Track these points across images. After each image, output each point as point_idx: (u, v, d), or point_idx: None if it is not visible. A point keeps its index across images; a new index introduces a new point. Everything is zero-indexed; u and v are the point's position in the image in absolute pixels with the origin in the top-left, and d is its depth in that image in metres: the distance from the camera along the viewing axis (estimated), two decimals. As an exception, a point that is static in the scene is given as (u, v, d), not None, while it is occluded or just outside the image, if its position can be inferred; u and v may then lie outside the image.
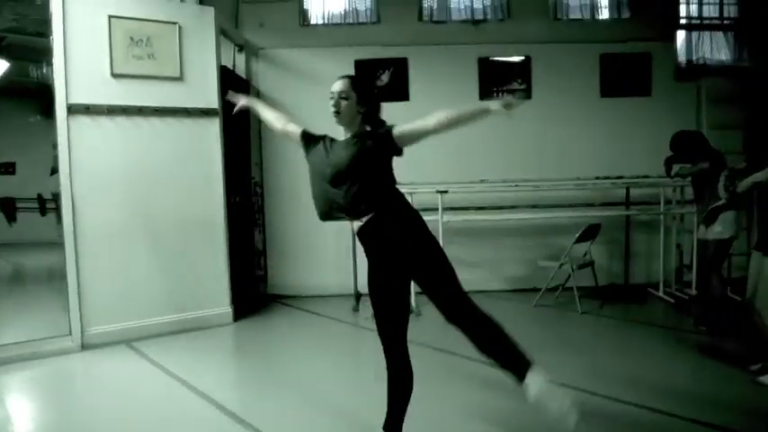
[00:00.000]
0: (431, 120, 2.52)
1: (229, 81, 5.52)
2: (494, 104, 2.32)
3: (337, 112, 2.60)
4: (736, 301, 5.00)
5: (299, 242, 6.44)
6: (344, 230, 6.14)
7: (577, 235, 5.45)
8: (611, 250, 6.41)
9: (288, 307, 6.08)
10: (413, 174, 6.13)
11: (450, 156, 6.30)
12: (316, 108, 6.04)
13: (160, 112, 4.96)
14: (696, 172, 4.76)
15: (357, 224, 2.57)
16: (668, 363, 4.15)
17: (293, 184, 6.38)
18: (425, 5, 6.36)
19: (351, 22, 6.36)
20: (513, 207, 6.27)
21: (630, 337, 4.88)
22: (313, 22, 6.38)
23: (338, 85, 2.62)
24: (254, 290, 6.34)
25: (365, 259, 6.47)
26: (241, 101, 3.15)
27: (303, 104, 6.23)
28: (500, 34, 6.39)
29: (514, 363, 2.47)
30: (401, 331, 2.60)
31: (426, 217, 5.51)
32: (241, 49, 6.27)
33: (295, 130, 2.93)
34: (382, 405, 2.71)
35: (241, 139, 6.15)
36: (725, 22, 6.76)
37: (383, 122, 2.65)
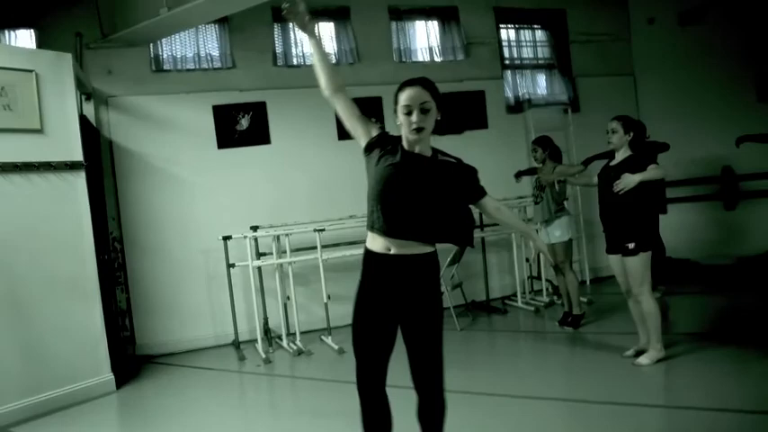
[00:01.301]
0: (498, 209, 2.69)
1: (83, 131, 5.54)
2: (534, 237, 2.75)
3: (421, 129, 2.43)
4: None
5: (167, 296, 6.50)
6: (217, 278, 6.41)
7: (449, 259, 6.29)
8: (472, 270, 7.39)
9: (167, 366, 6.07)
10: (284, 215, 6.63)
11: (317, 195, 6.88)
12: (172, 156, 6.37)
13: (21, 168, 4.88)
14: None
15: (408, 250, 2.48)
16: (548, 359, 5.09)
17: (154, 237, 6.49)
18: (278, 51, 6.91)
19: (205, 67, 6.68)
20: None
21: (501, 346, 5.80)
22: (165, 67, 6.58)
23: (416, 94, 2.43)
24: (124, 353, 6.26)
25: (244, 305, 6.75)
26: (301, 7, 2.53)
27: (160, 152, 6.47)
28: (352, 76, 7.14)
29: None
30: (384, 370, 2.59)
31: (307, 256, 6.10)
32: (89, 97, 6.29)
33: (362, 122, 2.72)
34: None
35: (95, 192, 6.12)
36: (539, 62, 8.25)
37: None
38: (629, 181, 4.37)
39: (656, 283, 6.85)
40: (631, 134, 4.54)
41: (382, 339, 2.54)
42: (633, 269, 4.50)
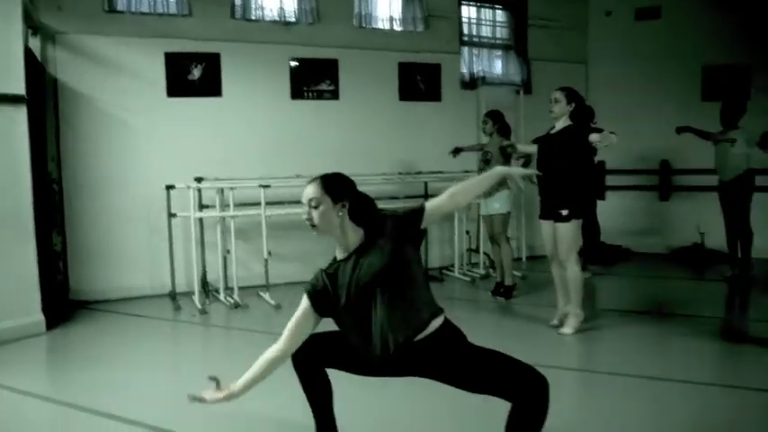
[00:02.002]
0: (454, 194, 2.54)
1: (27, 66, 5.47)
2: (508, 172, 2.66)
3: (313, 226, 2.46)
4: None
5: (105, 242, 6.52)
6: (157, 228, 6.46)
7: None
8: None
9: (100, 312, 6.12)
10: (230, 169, 6.71)
11: (265, 152, 6.99)
12: (123, 100, 6.36)
13: (-43, 98, 4.83)
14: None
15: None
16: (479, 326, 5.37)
17: (95, 182, 6.49)
18: (237, 3, 6.92)
19: (161, 12, 6.65)
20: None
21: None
22: (119, 8, 6.52)
23: (306, 191, 2.47)
24: (58, 296, 6.27)
25: (183, 256, 6.79)
26: None
27: (107, 96, 6.45)
28: (310, 37, 7.23)
29: None
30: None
31: (249, 211, 6.21)
32: (35, 32, 6.20)
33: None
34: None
35: (36, 130, 6.07)
36: (497, 41, 8.50)
37: (382, 216, 2.52)
38: (611, 139, 4.60)
39: (587, 264, 7.28)
40: (573, 105, 4.83)
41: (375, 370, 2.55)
42: (563, 235, 4.80)
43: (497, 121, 6.23)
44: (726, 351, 4.71)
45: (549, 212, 4.91)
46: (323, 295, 2.47)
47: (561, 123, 4.88)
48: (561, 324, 5.03)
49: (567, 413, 3.50)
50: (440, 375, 2.41)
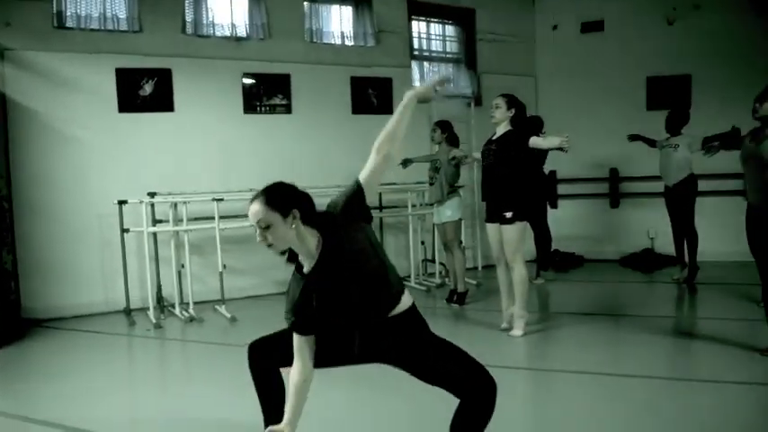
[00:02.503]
0: (379, 147, 2.48)
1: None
2: (416, 91, 2.53)
3: (270, 246, 2.37)
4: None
5: (57, 260, 6.54)
6: (110, 244, 6.50)
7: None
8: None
9: (54, 329, 6.14)
10: (184, 184, 6.79)
11: (219, 166, 7.12)
12: (74, 116, 6.42)
13: None
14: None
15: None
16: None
17: (46, 198, 6.52)
18: (188, 19, 7.07)
19: (111, 28, 6.76)
20: (280, 214, 7.25)
21: None
22: (68, 24, 6.60)
23: (253, 211, 2.36)
24: (9, 315, 6.22)
25: (137, 272, 6.77)
26: None
27: (57, 112, 6.52)
28: (261, 52, 7.40)
29: None
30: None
31: (202, 225, 6.29)
32: (-16, 49, 6.25)
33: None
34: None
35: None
36: (447, 55, 8.78)
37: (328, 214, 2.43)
38: (552, 141, 4.90)
39: (540, 270, 7.51)
40: (513, 111, 5.08)
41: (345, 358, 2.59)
42: (509, 237, 5.01)
43: (446, 130, 6.45)
44: (675, 347, 4.97)
45: (494, 215, 5.12)
46: (306, 322, 2.46)
47: (502, 129, 5.12)
48: (510, 327, 5.22)
49: (519, 410, 3.71)
50: (402, 359, 2.48)
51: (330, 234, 2.38)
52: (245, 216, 6.98)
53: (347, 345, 2.51)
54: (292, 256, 2.49)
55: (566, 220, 8.78)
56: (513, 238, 5.02)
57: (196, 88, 7.12)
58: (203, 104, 7.15)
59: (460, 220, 6.47)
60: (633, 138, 7.30)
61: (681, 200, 6.95)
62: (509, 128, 5.09)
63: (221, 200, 6.30)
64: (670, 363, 4.60)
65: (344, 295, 2.39)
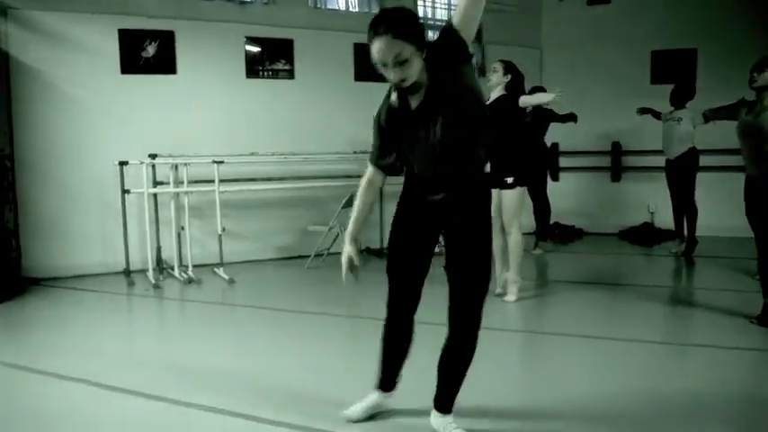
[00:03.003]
0: None
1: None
2: None
3: (403, 81, 2.28)
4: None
5: (58, 220, 6.60)
6: (111, 205, 6.56)
7: (344, 201, 6.70)
8: (368, 217, 7.79)
9: (53, 288, 6.23)
10: (185, 147, 6.84)
11: (220, 130, 7.14)
12: (76, 77, 6.45)
13: None
14: None
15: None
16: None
17: (48, 158, 6.57)
18: (191, -18, 7.06)
19: (114, -11, 6.75)
20: (280, 179, 7.31)
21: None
22: (71, -16, 6.60)
23: (385, 46, 2.22)
24: (10, 272, 6.31)
25: (137, 234, 6.81)
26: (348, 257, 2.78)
27: (60, 72, 6.54)
28: (265, 17, 7.40)
29: (454, 392, 2.69)
30: (419, 292, 2.74)
31: (202, 188, 6.35)
32: (-15, 6, 6.26)
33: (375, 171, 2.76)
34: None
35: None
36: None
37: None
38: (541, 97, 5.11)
39: (539, 241, 7.56)
40: (509, 77, 5.10)
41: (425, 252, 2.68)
42: (508, 202, 5.05)
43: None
44: (671, 314, 5.07)
45: (495, 181, 5.13)
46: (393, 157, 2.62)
47: (495, 94, 5.15)
48: (504, 292, 5.28)
49: (513, 369, 3.80)
50: (463, 230, 2.54)
51: (436, 69, 2.31)
52: (246, 180, 7.10)
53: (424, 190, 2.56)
54: (407, 90, 2.37)
55: (567, 193, 8.80)
56: (512, 204, 5.06)
57: (199, 51, 7.13)
58: (206, 68, 7.17)
59: None
60: (643, 111, 7.30)
61: (681, 173, 6.98)
62: (503, 92, 5.11)
63: (222, 162, 6.34)
64: (665, 329, 4.69)
65: (445, 133, 2.37)
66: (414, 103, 2.41)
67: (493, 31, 8.82)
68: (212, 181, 6.33)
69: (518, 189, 5.05)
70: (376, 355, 2.90)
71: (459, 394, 2.69)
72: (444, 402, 2.71)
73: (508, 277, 5.24)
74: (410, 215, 2.63)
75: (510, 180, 4.98)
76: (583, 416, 2.96)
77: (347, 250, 2.72)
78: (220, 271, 6.47)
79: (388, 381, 2.90)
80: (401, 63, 2.20)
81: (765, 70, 4.24)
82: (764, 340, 4.09)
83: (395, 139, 2.55)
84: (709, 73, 8.18)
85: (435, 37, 2.39)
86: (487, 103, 5.16)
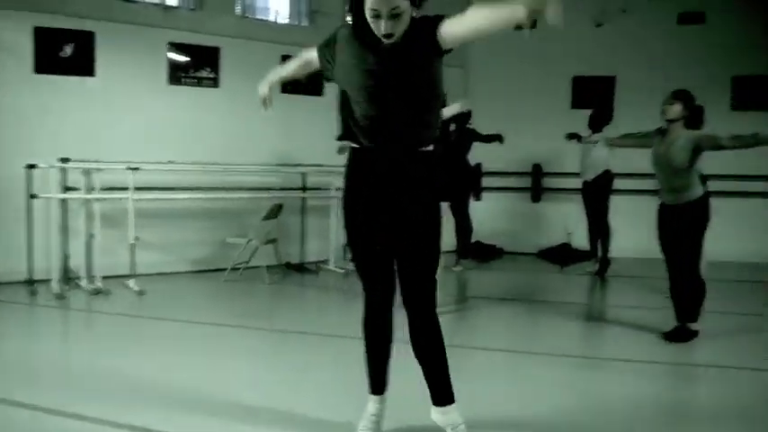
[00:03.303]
0: (461, 20, 2.30)
1: None
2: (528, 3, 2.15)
3: (390, 35, 2.28)
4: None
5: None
6: (14, 209, 6.24)
7: (264, 213, 6.62)
8: (289, 232, 7.76)
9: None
10: (99, 152, 6.61)
11: (138, 136, 6.93)
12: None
13: None
14: None
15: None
16: (342, 311, 5.61)
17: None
18: (115, -18, 6.87)
19: (30, -15, 6.50)
20: (199, 189, 7.16)
21: (312, 298, 6.30)
22: (-17, -23, 6.32)
23: (386, 2, 2.21)
24: None
25: (43, 241, 6.55)
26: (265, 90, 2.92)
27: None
28: (191, 23, 7.26)
29: (444, 378, 2.62)
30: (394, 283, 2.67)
31: (115, 195, 6.14)
32: None
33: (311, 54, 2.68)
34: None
35: None
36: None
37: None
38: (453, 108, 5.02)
39: (460, 258, 7.67)
40: None
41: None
42: None
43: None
44: (586, 330, 5.29)
45: None
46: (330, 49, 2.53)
47: None
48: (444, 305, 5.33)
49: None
50: (408, 206, 2.51)
51: (415, 33, 2.33)
52: (163, 189, 6.90)
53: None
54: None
55: (488, 213, 8.97)
56: None
57: (119, 54, 6.93)
58: (126, 72, 6.97)
59: None
60: (571, 136, 7.54)
61: (596, 195, 7.25)
62: None
63: (137, 169, 6.13)
64: (582, 343, 4.86)
65: (397, 87, 2.38)
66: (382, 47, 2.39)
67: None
68: (127, 188, 6.13)
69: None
70: (303, 368, 2.84)
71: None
72: (440, 394, 2.62)
73: None
74: (361, 202, 2.54)
75: None
76: (508, 428, 2.98)
77: (265, 83, 2.87)
78: (131, 282, 6.24)
79: (379, 382, 2.77)
80: (395, 16, 2.22)
81: (675, 103, 4.41)
82: (673, 354, 4.29)
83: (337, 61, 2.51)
84: (628, 100, 8.53)
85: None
86: None
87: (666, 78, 8.52)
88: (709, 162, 4.95)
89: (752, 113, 8.61)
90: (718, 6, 8.61)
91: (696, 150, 4.30)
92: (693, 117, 4.45)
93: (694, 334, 4.47)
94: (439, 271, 5.04)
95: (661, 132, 4.60)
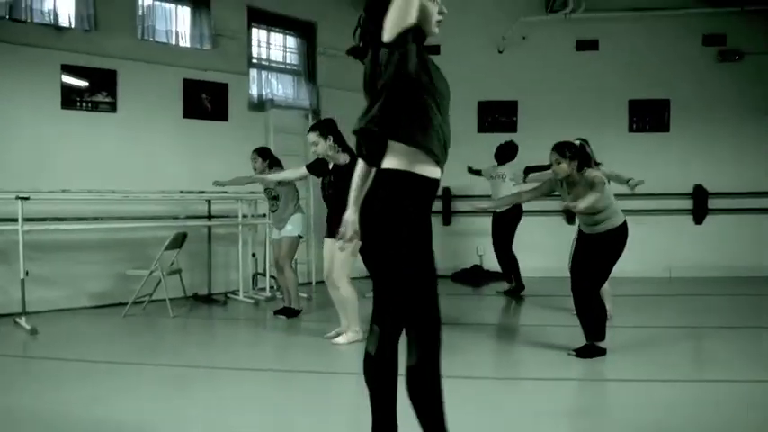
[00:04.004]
0: None
1: None
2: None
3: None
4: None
5: None
6: None
7: (167, 243, 6.37)
8: (195, 262, 7.52)
9: None
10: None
11: (28, 162, 6.56)
12: None
13: None
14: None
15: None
16: (252, 343, 5.46)
17: None
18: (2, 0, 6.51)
19: None
20: (96, 219, 6.84)
21: (220, 330, 6.12)
22: None
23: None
24: None
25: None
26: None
27: None
28: (85, 44, 6.97)
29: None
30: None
31: (4, 226, 5.77)
32: None
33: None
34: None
35: None
36: (287, 66, 8.82)
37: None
38: None
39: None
40: (330, 138, 5.05)
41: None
42: (341, 253, 4.96)
43: (266, 157, 6.46)
44: (499, 348, 5.42)
45: (333, 231, 5.04)
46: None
47: (337, 158, 5.06)
48: (336, 335, 5.25)
49: (339, 412, 3.70)
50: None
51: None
52: (56, 219, 6.55)
53: None
54: None
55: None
56: (343, 256, 4.93)
57: (9, 77, 6.55)
58: (17, 95, 6.60)
59: (300, 237, 6.41)
60: (471, 171, 7.78)
61: (504, 227, 7.47)
62: (343, 156, 5.03)
63: (27, 198, 5.79)
64: (495, 363, 4.93)
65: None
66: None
67: (328, 74, 8.99)
68: (16, 219, 5.76)
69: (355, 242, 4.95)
70: (209, 405, 2.67)
71: None
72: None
73: (348, 329, 5.18)
74: (424, 225, 2.38)
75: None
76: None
77: (350, 216, 2.56)
78: (22, 320, 5.84)
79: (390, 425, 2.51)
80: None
81: (561, 163, 4.50)
82: (583, 370, 4.41)
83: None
84: (529, 124, 8.88)
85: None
86: (330, 168, 5.15)
87: (567, 102, 9.02)
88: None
89: (648, 134, 9.19)
90: (612, 33, 9.14)
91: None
92: (581, 159, 4.54)
93: (603, 351, 4.59)
94: (351, 313, 5.05)
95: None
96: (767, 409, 3.59)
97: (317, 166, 5.39)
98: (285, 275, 6.33)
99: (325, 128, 5.08)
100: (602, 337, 4.61)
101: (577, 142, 4.66)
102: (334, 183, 5.10)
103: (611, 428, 3.38)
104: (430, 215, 2.41)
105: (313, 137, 5.08)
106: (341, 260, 5.01)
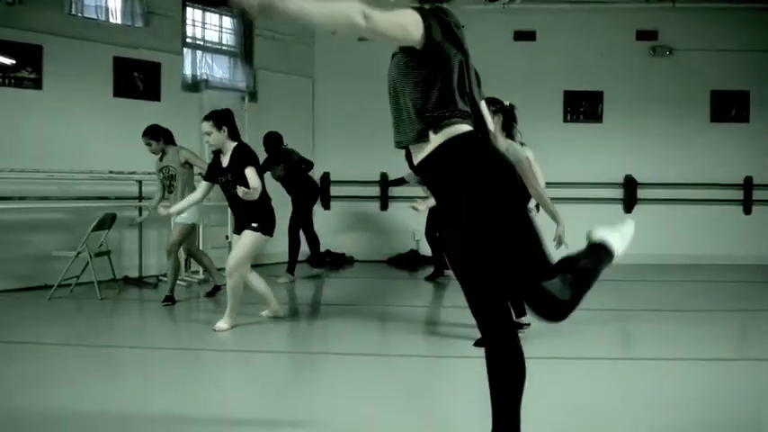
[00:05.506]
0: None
1: None
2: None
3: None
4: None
5: None
6: None
7: (94, 224, 6.33)
8: (126, 244, 7.48)
9: None
10: None
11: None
12: None
13: None
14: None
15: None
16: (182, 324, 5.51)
17: None
18: None
19: None
20: (20, 198, 6.74)
21: (149, 312, 6.16)
22: None
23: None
24: None
25: None
26: None
27: None
28: (8, 18, 6.82)
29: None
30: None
31: None
32: None
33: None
34: None
35: None
36: (223, 47, 8.80)
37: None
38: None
39: (314, 267, 7.83)
40: (225, 129, 5.03)
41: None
42: (243, 243, 5.02)
43: (159, 137, 6.33)
44: (431, 330, 5.56)
45: (243, 227, 5.08)
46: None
47: (228, 150, 5.08)
48: (275, 316, 5.41)
49: (281, 392, 3.83)
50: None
51: None
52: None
53: None
54: None
55: (338, 222, 9.19)
56: (245, 246, 4.98)
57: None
58: None
59: (194, 225, 6.36)
60: (394, 183, 8.12)
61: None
62: (233, 144, 5.07)
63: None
64: (426, 343, 5.02)
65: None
66: None
67: (265, 57, 9.02)
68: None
69: (259, 234, 5.00)
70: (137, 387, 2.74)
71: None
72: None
73: (226, 314, 5.12)
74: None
75: (255, 225, 5.00)
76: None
77: None
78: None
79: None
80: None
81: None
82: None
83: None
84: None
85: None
86: (224, 165, 5.12)
87: (503, 91, 9.23)
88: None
89: (581, 124, 9.55)
90: (549, 25, 9.44)
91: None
92: (507, 118, 4.71)
93: (525, 326, 4.72)
94: (233, 302, 5.07)
95: None
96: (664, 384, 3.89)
97: (210, 174, 5.26)
98: (169, 261, 6.19)
99: (221, 118, 5.06)
100: (523, 313, 4.64)
101: (507, 103, 4.73)
102: (233, 181, 4.99)
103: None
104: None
105: (207, 126, 5.00)
106: (246, 249, 5.00)
